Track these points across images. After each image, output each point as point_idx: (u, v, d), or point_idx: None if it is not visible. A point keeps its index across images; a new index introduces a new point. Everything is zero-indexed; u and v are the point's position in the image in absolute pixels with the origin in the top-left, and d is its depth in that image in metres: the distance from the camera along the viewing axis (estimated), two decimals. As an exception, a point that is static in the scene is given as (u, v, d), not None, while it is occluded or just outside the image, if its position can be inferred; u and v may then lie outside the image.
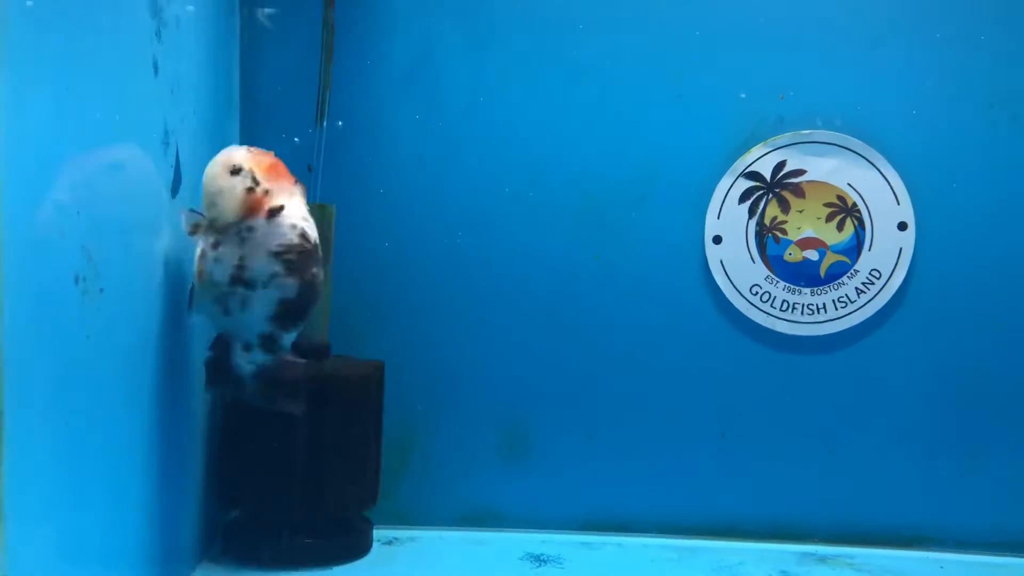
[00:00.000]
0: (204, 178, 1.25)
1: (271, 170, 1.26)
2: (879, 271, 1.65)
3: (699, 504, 1.69)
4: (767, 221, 1.66)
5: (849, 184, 1.64)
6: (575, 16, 1.63)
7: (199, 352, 1.36)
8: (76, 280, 0.96)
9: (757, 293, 1.66)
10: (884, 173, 1.63)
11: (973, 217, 1.63)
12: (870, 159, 1.63)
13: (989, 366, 1.65)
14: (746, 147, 1.64)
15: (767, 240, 1.66)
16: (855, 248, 1.65)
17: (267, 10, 1.57)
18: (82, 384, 0.98)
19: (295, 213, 1.25)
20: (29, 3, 0.85)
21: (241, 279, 1.23)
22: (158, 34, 1.19)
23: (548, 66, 1.64)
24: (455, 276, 1.66)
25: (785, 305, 1.66)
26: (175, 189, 1.27)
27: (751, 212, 1.66)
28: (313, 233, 1.27)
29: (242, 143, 1.60)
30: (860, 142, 1.62)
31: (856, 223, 1.65)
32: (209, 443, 1.49)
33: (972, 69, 1.61)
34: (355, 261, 1.63)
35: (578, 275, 1.66)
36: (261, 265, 1.23)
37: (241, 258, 1.23)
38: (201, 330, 1.37)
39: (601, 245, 1.66)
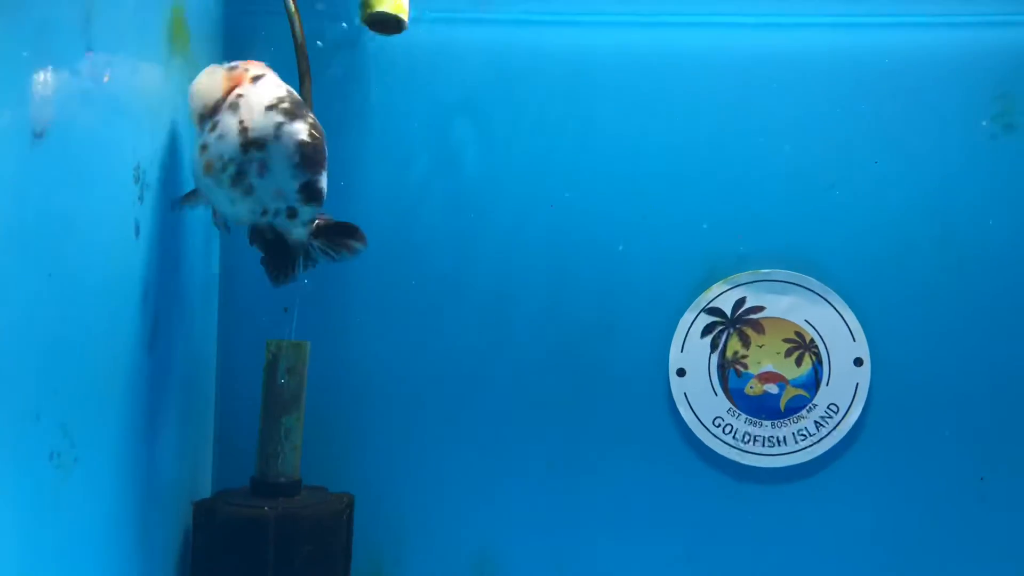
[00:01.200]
0: (190, 93, 1.31)
1: (254, 66, 1.31)
2: (837, 405, 1.70)
3: (665, 634, 1.71)
4: (729, 355, 1.71)
5: (806, 321, 1.70)
6: (544, 155, 1.71)
7: (170, 505, 1.38)
8: (51, 456, 0.99)
9: (720, 425, 1.71)
10: (839, 310, 1.70)
11: (926, 354, 1.69)
12: (825, 297, 1.69)
13: (945, 499, 1.69)
14: (707, 284, 1.71)
15: (729, 373, 1.71)
16: (813, 383, 1.71)
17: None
18: (50, 549, 1.01)
19: (275, 79, 1.29)
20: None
21: (250, 141, 1.22)
22: (141, 198, 1.25)
23: (518, 205, 1.71)
24: (425, 407, 1.70)
25: (747, 437, 1.71)
26: (153, 345, 1.31)
27: (713, 346, 1.71)
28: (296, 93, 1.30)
29: (221, 295, 1.68)
30: (816, 281, 1.69)
31: (814, 358, 1.71)
32: (179, 581, 1.50)
33: (922, 211, 1.69)
34: (327, 394, 1.67)
35: (545, 406, 1.71)
36: (262, 120, 1.22)
37: (241, 121, 1.23)
38: (172, 477, 1.40)
39: (569, 376, 1.71)
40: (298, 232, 1.29)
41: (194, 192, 1.33)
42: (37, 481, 0.97)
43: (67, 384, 1.02)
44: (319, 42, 1.64)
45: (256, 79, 1.27)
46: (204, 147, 1.25)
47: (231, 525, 1.45)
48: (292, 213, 1.26)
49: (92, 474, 1.10)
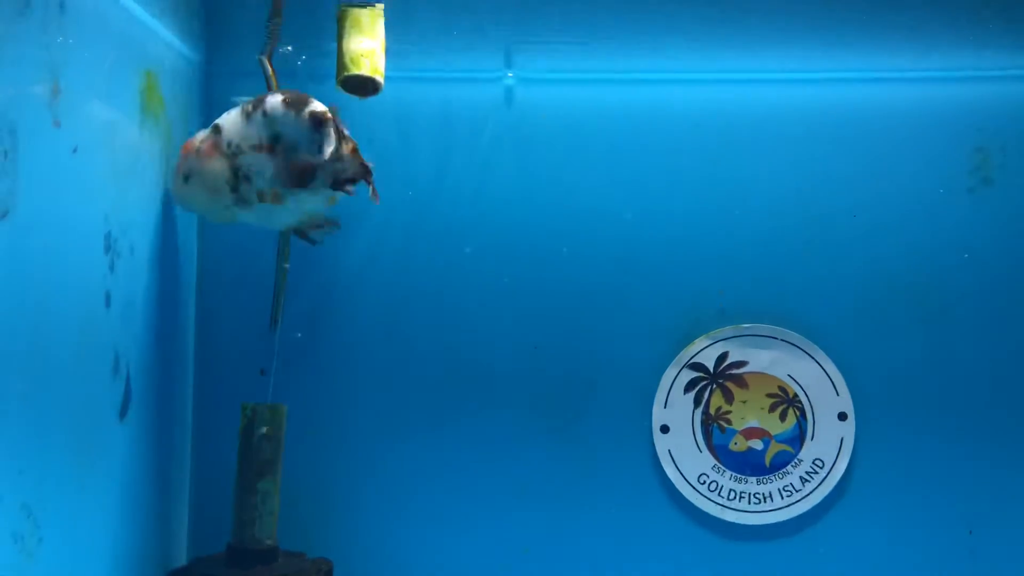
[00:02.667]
0: (194, 206, 1.40)
1: (187, 145, 1.39)
2: (822, 460, 1.68)
3: None
4: (712, 411, 1.70)
5: (789, 375, 1.69)
6: (525, 212, 1.70)
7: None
8: (14, 539, 0.97)
9: (705, 482, 1.69)
10: (822, 364, 1.68)
11: (910, 407, 1.68)
12: (808, 351, 1.68)
13: (934, 554, 1.67)
14: (689, 338, 1.70)
15: (712, 429, 1.70)
16: (798, 438, 1.69)
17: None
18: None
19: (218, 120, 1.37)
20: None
21: (271, 143, 1.33)
22: (112, 267, 1.24)
23: (498, 262, 1.70)
24: (404, 470, 1.67)
25: (732, 494, 1.69)
26: (124, 414, 1.29)
27: (696, 402, 1.70)
28: None
29: (196, 359, 1.65)
30: (797, 335, 1.68)
31: (798, 413, 1.69)
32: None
33: (901, 264, 1.69)
34: (305, 458, 1.65)
35: (528, 465, 1.69)
36: (258, 128, 1.33)
37: (252, 146, 1.33)
38: (145, 546, 1.36)
39: (551, 434, 1.69)
40: (319, 158, 1.35)
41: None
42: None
43: (31, 463, 1.00)
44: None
45: (216, 131, 1.35)
46: (262, 194, 1.35)
47: (206, 596, 1.43)
48: (318, 147, 1.35)
49: (58, 553, 1.08)
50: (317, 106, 1.35)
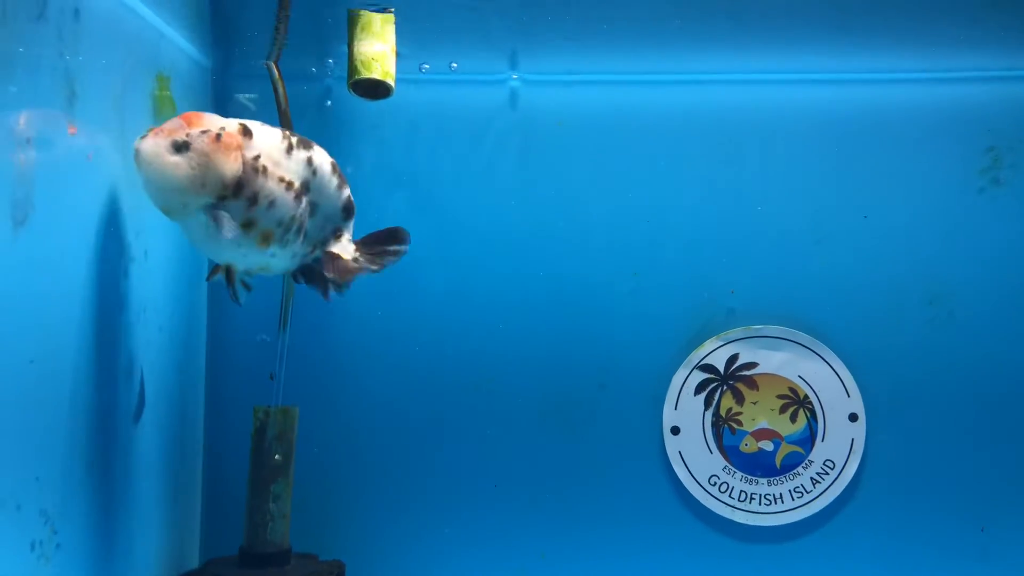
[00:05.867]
0: (166, 180, 1.09)
1: (196, 119, 1.13)
2: (833, 461, 1.68)
3: None
4: (723, 412, 1.70)
5: (800, 376, 1.69)
6: (532, 216, 1.70)
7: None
8: (33, 547, 0.97)
9: (716, 484, 1.69)
10: (833, 366, 1.68)
11: (920, 407, 1.68)
12: (819, 352, 1.68)
13: (947, 554, 1.67)
14: (699, 340, 1.70)
15: (723, 431, 1.70)
16: (808, 439, 1.69)
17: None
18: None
19: (253, 123, 1.18)
20: None
21: (298, 191, 1.20)
22: (126, 272, 1.24)
23: (507, 264, 1.70)
24: (416, 470, 1.68)
25: (743, 496, 1.69)
26: (138, 417, 1.29)
27: (707, 403, 1.70)
28: None
29: (208, 362, 1.65)
30: (808, 336, 1.68)
31: (808, 414, 1.69)
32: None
33: (911, 265, 1.69)
34: (317, 460, 1.65)
35: (538, 467, 1.69)
36: (293, 165, 1.20)
37: (281, 179, 1.18)
38: (158, 549, 1.36)
39: (562, 436, 1.69)
40: (348, 250, 1.32)
41: (219, 267, 1.26)
42: (18, 573, 0.94)
43: (48, 469, 1.00)
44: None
45: (247, 133, 1.16)
46: (251, 223, 1.16)
47: (219, 599, 1.43)
48: (338, 233, 1.31)
49: (74, 558, 1.08)
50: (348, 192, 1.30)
